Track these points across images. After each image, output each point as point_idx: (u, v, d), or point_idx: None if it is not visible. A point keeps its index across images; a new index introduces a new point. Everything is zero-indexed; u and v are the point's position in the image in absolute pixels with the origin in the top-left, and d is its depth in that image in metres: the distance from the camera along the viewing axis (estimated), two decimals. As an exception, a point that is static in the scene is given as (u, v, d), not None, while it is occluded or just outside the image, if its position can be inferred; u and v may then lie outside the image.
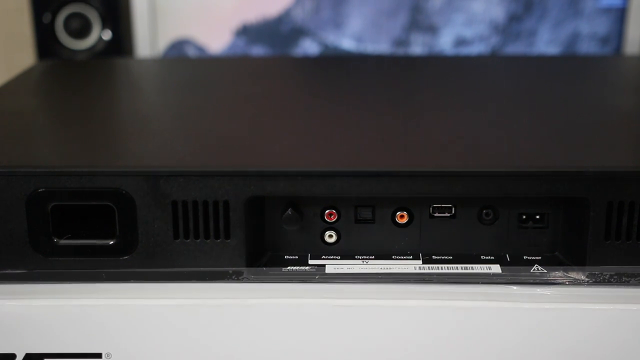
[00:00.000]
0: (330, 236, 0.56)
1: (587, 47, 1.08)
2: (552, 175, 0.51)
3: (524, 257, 0.55)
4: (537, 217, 0.55)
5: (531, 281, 0.54)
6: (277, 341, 0.53)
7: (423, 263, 0.55)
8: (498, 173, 0.52)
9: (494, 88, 0.78)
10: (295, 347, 0.53)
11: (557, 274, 0.54)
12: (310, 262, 0.55)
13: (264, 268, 0.55)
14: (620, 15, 1.06)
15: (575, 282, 0.53)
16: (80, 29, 1.05)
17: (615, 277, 0.53)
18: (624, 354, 0.52)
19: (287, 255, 0.56)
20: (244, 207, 0.52)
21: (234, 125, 0.64)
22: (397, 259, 0.55)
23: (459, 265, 0.55)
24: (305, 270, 0.55)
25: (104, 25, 1.04)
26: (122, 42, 1.05)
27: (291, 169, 0.52)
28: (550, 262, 0.55)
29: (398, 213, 0.55)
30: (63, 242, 0.54)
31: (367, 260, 0.55)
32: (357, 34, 1.08)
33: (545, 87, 0.76)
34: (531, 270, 0.54)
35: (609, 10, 1.07)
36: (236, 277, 0.54)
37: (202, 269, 0.54)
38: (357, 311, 0.52)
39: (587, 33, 1.07)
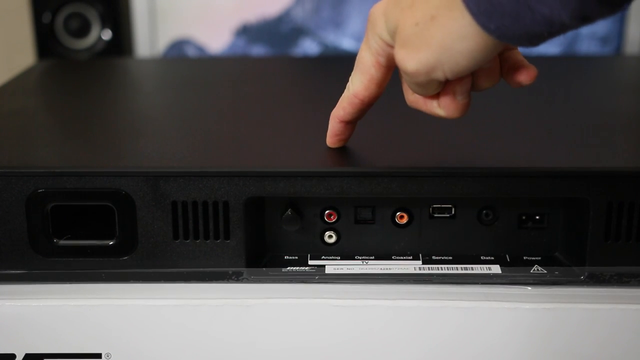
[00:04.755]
0: (330, 236, 0.56)
1: (587, 47, 1.08)
2: (552, 175, 0.51)
3: (524, 258, 0.55)
4: (537, 217, 0.55)
5: (531, 281, 0.54)
6: (277, 341, 0.53)
7: (423, 263, 0.55)
8: (498, 173, 0.52)
9: (494, 88, 0.78)
10: (295, 347, 0.53)
11: (557, 274, 0.54)
12: (310, 262, 0.55)
13: (264, 268, 0.55)
14: (620, 15, 1.06)
15: (576, 283, 0.53)
16: (80, 29, 1.05)
17: (615, 277, 0.53)
18: (624, 354, 0.52)
19: (287, 255, 0.56)
20: (243, 208, 0.52)
21: (233, 125, 0.64)
22: (397, 259, 0.55)
23: (458, 266, 0.55)
24: (305, 271, 0.55)
25: (104, 25, 1.04)
26: (122, 42, 1.05)
27: (291, 169, 0.52)
28: (550, 262, 0.55)
29: (398, 213, 0.55)
30: (63, 242, 0.54)
31: (367, 261, 0.55)
32: (357, 33, 1.08)
33: (545, 87, 0.76)
34: (531, 271, 0.54)
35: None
36: (236, 277, 0.54)
37: (202, 269, 0.54)
38: (357, 311, 0.52)
39: (587, 33, 1.07)
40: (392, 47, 0.47)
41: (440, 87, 0.47)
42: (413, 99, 0.49)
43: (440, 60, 0.43)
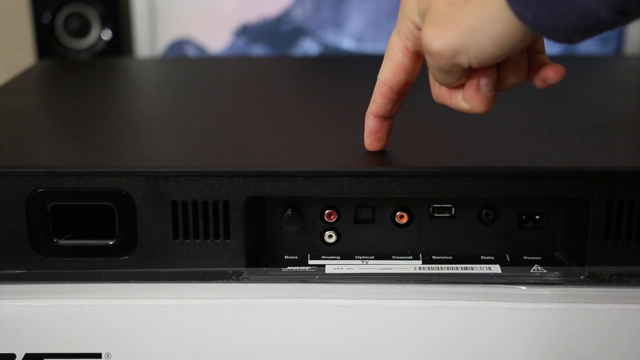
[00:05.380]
0: (330, 236, 0.56)
1: (587, 47, 1.08)
2: (552, 175, 0.51)
3: (524, 257, 0.55)
4: (537, 217, 0.55)
5: (531, 281, 0.54)
6: (277, 341, 0.53)
7: (423, 263, 0.55)
8: (498, 173, 0.52)
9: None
10: (295, 346, 0.53)
11: (557, 274, 0.54)
12: (310, 262, 0.55)
13: (264, 268, 0.55)
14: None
15: (576, 282, 0.53)
16: (80, 29, 1.05)
17: (615, 277, 0.53)
18: (624, 354, 0.52)
19: (287, 255, 0.56)
20: (243, 207, 0.52)
21: (233, 125, 0.64)
22: (397, 259, 0.55)
23: (458, 266, 0.55)
24: (305, 270, 0.55)
25: (104, 25, 1.04)
26: (122, 42, 1.05)
27: (291, 169, 0.52)
28: (550, 262, 0.55)
29: (398, 213, 0.55)
30: (63, 242, 0.54)
31: (367, 261, 0.55)
32: (357, 33, 1.08)
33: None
34: (531, 270, 0.54)
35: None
36: (236, 277, 0.54)
37: (202, 269, 0.54)
38: (357, 311, 0.52)
39: (587, 33, 1.07)
40: (421, 29, 0.46)
41: (463, 77, 0.46)
42: (438, 91, 0.48)
43: (467, 44, 0.42)
